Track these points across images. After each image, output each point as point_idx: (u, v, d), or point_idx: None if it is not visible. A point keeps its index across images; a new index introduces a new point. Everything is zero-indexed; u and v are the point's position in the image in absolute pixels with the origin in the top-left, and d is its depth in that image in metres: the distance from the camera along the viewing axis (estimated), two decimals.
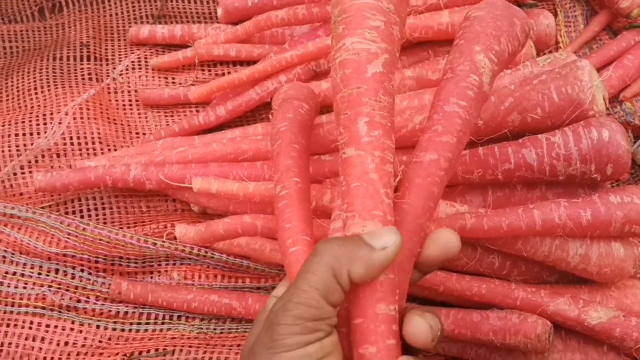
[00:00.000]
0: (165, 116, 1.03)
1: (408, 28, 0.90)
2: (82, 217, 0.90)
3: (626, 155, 0.68)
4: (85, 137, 0.96)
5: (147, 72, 1.07)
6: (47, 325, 0.81)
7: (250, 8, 1.04)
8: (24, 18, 1.13)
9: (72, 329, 0.81)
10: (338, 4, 0.56)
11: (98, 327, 0.82)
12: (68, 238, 0.83)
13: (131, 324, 0.83)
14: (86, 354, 0.80)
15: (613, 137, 0.68)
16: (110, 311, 0.83)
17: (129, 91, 1.05)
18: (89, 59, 1.07)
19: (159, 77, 1.06)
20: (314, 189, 0.75)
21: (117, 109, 1.03)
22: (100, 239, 0.83)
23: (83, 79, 1.04)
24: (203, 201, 0.87)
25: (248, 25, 1.02)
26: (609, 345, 0.71)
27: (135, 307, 0.84)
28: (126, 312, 0.84)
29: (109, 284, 0.84)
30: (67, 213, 0.90)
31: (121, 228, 0.86)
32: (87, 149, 0.95)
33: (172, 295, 0.82)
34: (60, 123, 0.96)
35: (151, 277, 0.86)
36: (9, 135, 0.95)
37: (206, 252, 0.84)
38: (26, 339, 0.80)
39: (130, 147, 0.96)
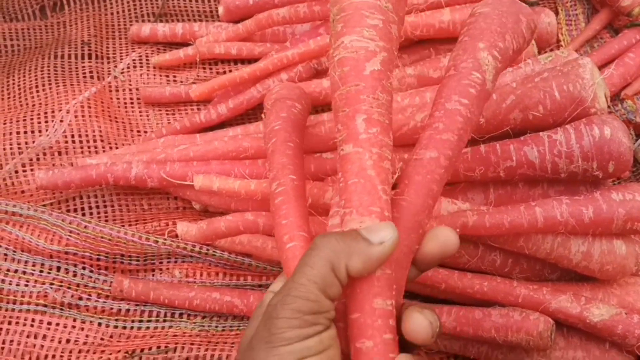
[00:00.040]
0: (167, 114, 1.03)
1: (409, 26, 0.90)
2: (83, 215, 0.90)
3: (628, 152, 0.68)
4: (86, 135, 0.96)
5: (148, 71, 1.07)
6: (49, 323, 0.81)
7: (251, 6, 1.05)
8: (25, 16, 1.13)
9: (73, 327, 0.81)
10: (337, 3, 0.56)
11: (100, 324, 0.82)
12: (70, 236, 0.83)
13: (133, 321, 0.83)
14: (88, 351, 0.80)
15: (615, 135, 0.68)
16: (112, 309, 0.83)
17: (130, 89, 1.05)
18: (90, 57, 1.07)
19: (160, 76, 1.07)
20: (316, 187, 0.75)
21: (119, 107, 1.03)
22: (102, 237, 0.83)
23: (84, 77, 1.04)
24: (204, 199, 0.87)
25: (249, 24, 1.02)
26: (611, 343, 0.71)
27: (137, 305, 0.84)
28: (128, 310, 0.83)
29: (111, 282, 0.84)
30: (68, 211, 0.90)
31: (122, 226, 0.86)
32: (89, 147, 0.95)
33: (174, 293, 0.82)
34: (61, 121, 0.96)
35: (153, 275, 0.86)
36: (11, 133, 0.95)
37: (208, 249, 0.84)
38: (28, 336, 0.80)
39: (131, 145, 0.96)
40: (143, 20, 1.12)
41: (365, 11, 0.55)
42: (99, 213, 0.91)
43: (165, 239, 0.84)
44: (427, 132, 0.55)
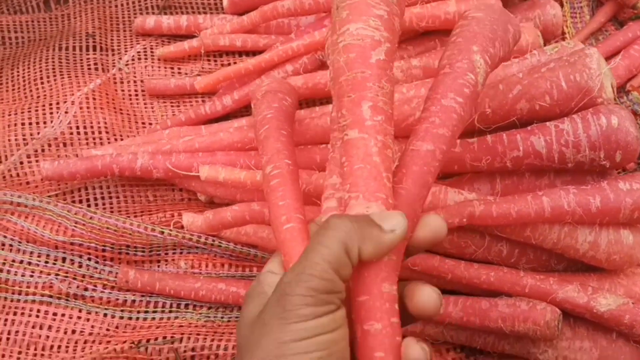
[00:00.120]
0: (172, 106, 1.03)
1: (415, 17, 0.90)
2: (88, 206, 0.90)
3: (635, 142, 0.68)
4: (91, 127, 0.96)
5: (153, 63, 1.07)
6: (54, 314, 0.81)
7: None
8: (29, 9, 1.12)
9: (79, 318, 0.81)
10: None
11: (105, 315, 0.82)
12: (75, 226, 0.83)
13: (138, 312, 0.83)
14: (93, 342, 0.80)
15: (622, 124, 0.68)
16: (117, 300, 0.83)
17: (134, 81, 1.05)
18: (94, 49, 1.07)
19: (165, 68, 1.06)
20: (322, 177, 0.75)
21: (123, 99, 1.03)
22: (108, 228, 0.83)
23: (89, 69, 1.04)
24: (210, 190, 0.87)
25: (254, 16, 1.01)
26: (618, 333, 0.71)
27: (142, 296, 0.84)
28: (134, 301, 0.83)
29: (116, 273, 0.84)
30: (73, 202, 0.89)
31: (128, 217, 0.86)
32: (94, 139, 0.95)
33: (180, 284, 0.82)
34: (66, 113, 0.96)
35: (158, 266, 0.86)
36: (15, 125, 0.95)
37: (213, 240, 0.84)
38: (33, 327, 0.80)
39: (136, 136, 0.96)
40: (147, 13, 1.12)
41: (371, 1, 0.55)
42: (104, 204, 0.91)
43: (170, 230, 0.84)
44: (424, 125, 0.55)
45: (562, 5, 1.07)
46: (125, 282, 0.83)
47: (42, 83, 1.01)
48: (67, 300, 0.82)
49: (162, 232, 0.83)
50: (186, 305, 0.84)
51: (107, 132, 0.96)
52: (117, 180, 0.91)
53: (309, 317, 0.42)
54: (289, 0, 0.98)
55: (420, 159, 0.53)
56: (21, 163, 0.93)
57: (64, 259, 0.84)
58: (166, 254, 0.86)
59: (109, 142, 0.95)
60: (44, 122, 0.96)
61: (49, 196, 0.89)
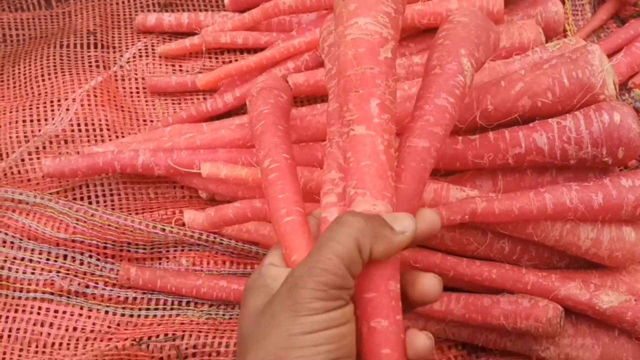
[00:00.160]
0: (173, 104, 1.03)
1: (416, 14, 0.89)
2: (90, 203, 0.90)
3: (637, 138, 0.68)
4: (92, 124, 0.96)
5: (154, 60, 1.07)
6: (56, 311, 0.81)
7: None
8: (30, 6, 1.12)
9: (80, 315, 0.81)
10: None
11: (107, 312, 0.82)
12: (77, 224, 0.83)
13: (140, 309, 0.83)
14: (95, 339, 0.79)
15: (624, 121, 0.68)
16: (119, 297, 0.83)
17: (136, 79, 1.05)
18: (96, 46, 1.07)
19: (166, 65, 1.06)
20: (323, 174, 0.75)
21: (125, 96, 1.03)
22: (109, 225, 0.83)
23: (90, 66, 1.04)
24: (212, 187, 0.87)
25: (255, 13, 1.01)
26: (620, 330, 0.71)
27: (144, 293, 0.84)
28: (135, 298, 0.83)
29: (118, 270, 0.84)
30: (74, 199, 0.90)
31: (129, 214, 0.86)
32: (95, 136, 0.95)
33: (181, 281, 0.82)
34: (67, 110, 0.96)
35: (160, 264, 0.86)
36: (17, 122, 0.95)
37: (215, 237, 0.84)
38: (34, 324, 0.80)
39: (137, 134, 0.96)
40: (149, 10, 1.12)
41: None
42: (105, 202, 0.91)
43: (172, 228, 0.84)
44: (419, 123, 0.56)
45: (563, 3, 1.07)
46: (126, 279, 0.82)
47: (43, 80, 1.01)
48: (68, 297, 0.82)
49: (164, 230, 0.83)
50: (187, 303, 0.84)
51: (108, 130, 0.96)
52: (119, 178, 0.91)
53: (320, 310, 0.43)
54: None
55: (417, 155, 0.54)
56: (22, 160, 0.93)
57: (65, 257, 0.84)
58: (167, 251, 0.86)
59: (110, 140, 0.95)
60: (45, 120, 0.96)
61: (50, 193, 0.89)
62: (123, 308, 0.83)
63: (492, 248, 0.74)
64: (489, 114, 0.73)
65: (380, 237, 0.46)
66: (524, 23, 0.87)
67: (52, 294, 0.82)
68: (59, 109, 0.96)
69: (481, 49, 0.63)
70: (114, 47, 1.08)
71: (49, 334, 0.79)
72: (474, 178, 0.75)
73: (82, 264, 0.84)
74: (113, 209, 0.90)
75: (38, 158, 0.93)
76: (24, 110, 0.96)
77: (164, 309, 0.83)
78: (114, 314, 0.82)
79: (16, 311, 0.80)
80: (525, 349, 0.73)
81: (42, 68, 1.02)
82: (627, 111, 0.68)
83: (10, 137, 0.94)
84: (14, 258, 0.83)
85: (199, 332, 0.78)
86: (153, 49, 1.08)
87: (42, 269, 0.82)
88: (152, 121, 1.00)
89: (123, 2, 1.13)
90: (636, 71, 0.97)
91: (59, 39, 1.06)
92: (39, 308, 0.81)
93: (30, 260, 0.83)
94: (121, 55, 1.06)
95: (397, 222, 0.48)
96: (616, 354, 0.71)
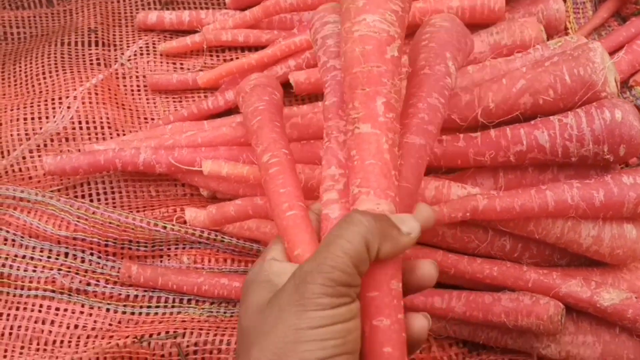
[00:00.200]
0: (174, 101, 1.03)
1: (418, 12, 0.90)
2: (91, 201, 0.90)
3: (639, 135, 0.68)
4: (94, 122, 0.96)
5: (155, 58, 1.07)
6: (57, 309, 0.81)
7: None
8: (31, 4, 1.12)
9: (81, 312, 0.81)
10: None
11: (108, 310, 0.82)
12: (78, 221, 0.83)
13: (141, 307, 0.83)
14: (96, 337, 0.79)
15: (626, 118, 0.68)
16: (120, 294, 0.83)
17: (137, 76, 1.05)
18: (97, 44, 1.07)
19: (167, 63, 1.06)
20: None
21: (126, 94, 1.03)
22: (110, 222, 0.83)
23: (91, 64, 1.04)
24: (213, 185, 0.87)
25: (256, 11, 1.01)
26: (621, 327, 0.71)
27: (145, 291, 0.84)
28: (136, 296, 0.83)
29: (119, 268, 0.84)
30: (76, 197, 0.90)
31: (130, 212, 0.86)
32: (96, 134, 0.95)
33: (182, 279, 0.82)
34: (69, 108, 0.96)
35: (161, 261, 0.86)
36: (18, 120, 0.95)
37: (216, 235, 0.84)
38: (36, 322, 0.80)
39: (139, 132, 0.96)
40: (150, 8, 1.12)
41: None
42: (106, 199, 0.91)
43: (173, 225, 0.84)
44: (414, 120, 0.57)
45: (565, 1, 1.06)
46: (127, 277, 0.82)
47: (44, 78, 1.01)
48: (69, 295, 0.82)
49: (165, 227, 0.83)
50: (189, 301, 0.84)
51: (109, 127, 0.96)
52: (120, 175, 0.91)
53: (327, 306, 0.43)
54: None
55: (415, 152, 0.55)
56: (24, 158, 0.93)
57: (66, 254, 0.84)
58: (169, 249, 0.86)
59: (111, 137, 0.95)
60: (47, 117, 0.96)
61: (51, 191, 0.89)
62: (124, 306, 0.83)
63: (493, 246, 0.74)
64: (490, 112, 0.73)
65: (388, 238, 0.46)
66: (525, 21, 0.87)
67: (53, 291, 0.82)
68: (60, 107, 0.96)
69: (460, 54, 0.64)
70: (115, 45, 1.08)
71: (50, 331, 0.79)
72: (475, 175, 0.75)
73: (83, 261, 0.84)
74: (114, 207, 0.90)
75: (39, 156, 0.93)
76: (25, 108, 0.96)
77: (165, 306, 0.83)
78: (115, 311, 0.82)
79: (17, 309, 0.80)
80: (526, 346, 0.74)
81: (43, 66, 1.02)
82: (629, 109, 0.68)
83: (11, 135, 0.94)
84: (15, 256, 0.83)
85: (200, 329, 0.78)
86: (154, 47, 1.08)
87: (44, 267, 0.82)
88: (153, 119, 1.00)
89: (124, 0, 1.13)
90: (637, 69, 0.97)
91: (60, 37, 1.06)
92: (40, 306, 0.81)
93: (32, 258, 0.83)
94: (122, 53, 1.06)
95: (404, 224, 0.48)
96: (617, 351, 0.71)
